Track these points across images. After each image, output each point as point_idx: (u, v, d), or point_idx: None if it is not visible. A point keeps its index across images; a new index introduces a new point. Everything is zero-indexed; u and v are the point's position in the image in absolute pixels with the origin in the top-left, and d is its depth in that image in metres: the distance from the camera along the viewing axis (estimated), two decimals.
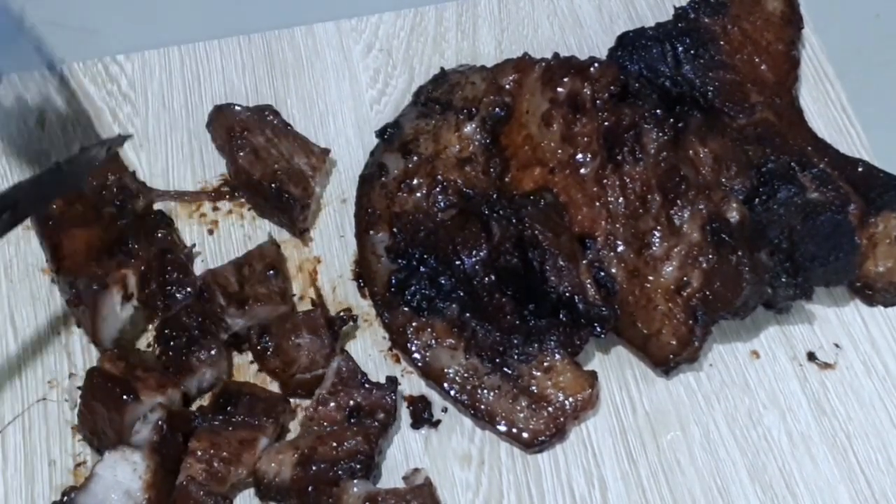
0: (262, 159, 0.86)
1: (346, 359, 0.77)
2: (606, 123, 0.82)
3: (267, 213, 0.87)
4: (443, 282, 0.80)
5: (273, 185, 0.84)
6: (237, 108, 0.88)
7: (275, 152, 0.86)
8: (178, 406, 0.76)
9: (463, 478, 0.75)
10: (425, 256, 0.81)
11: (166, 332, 0.78)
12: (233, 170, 0.87)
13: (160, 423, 0.72)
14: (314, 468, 0.72)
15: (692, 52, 0.89)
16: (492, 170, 0.84)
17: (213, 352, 0.77)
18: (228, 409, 0.75)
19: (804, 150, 0.85)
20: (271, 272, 0.80)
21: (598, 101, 0.82)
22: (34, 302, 0.83)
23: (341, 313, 0.81)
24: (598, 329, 0.77)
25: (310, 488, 0.72)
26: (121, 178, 0.84)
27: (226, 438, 0.73)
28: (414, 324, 0.80)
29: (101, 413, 0.73)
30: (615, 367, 0.80)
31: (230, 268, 0.80)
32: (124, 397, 0.73)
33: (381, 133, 0.88)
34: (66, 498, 0.72)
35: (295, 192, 0.85)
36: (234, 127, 0.87)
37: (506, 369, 0.77)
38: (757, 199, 0.79)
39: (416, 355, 0.79)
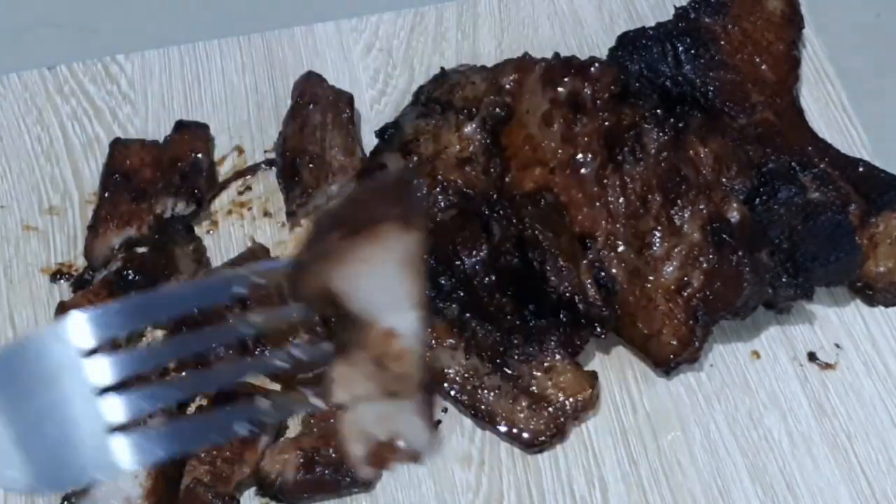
0: (305, 135, 0.87)
1: None
2: (607, 123, 0.81)
3: (281, 183, 0.88)
4: (443, 282, 0.80)
5: (295, 160, 0.86)
6: (324, 83, 0.90)
7: (319, 135, 0.87)
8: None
9: (463, 478, 0.75)
10: (425, 256, 0.81)
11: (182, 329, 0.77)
12: (281, 128, 0.89)
13: None
14: (317, 471, 0.72)
15: (693, 51, 0.89)
16: (492, 170, 0.84)
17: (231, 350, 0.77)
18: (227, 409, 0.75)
19: (805, 150, 0.85)
20: None
21: (598, 101, 0.82)
22: (34, 302, 0.83)
23: None
24: (599, 329, 0.77)
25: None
26: (198, 157, 0.86)
27: None
28: None
29: None
30: (615, 367, 0.80)
31: (227, 269, 0.80)
32: None
33: (380, 133, 0.88)
34: (66, 502, 0.72)
35: (307, 178, 0.85)
36: (305, 93, 0.89)
37: (506, 369, 0.77)
38: (757, 200, 0.79)
39: None
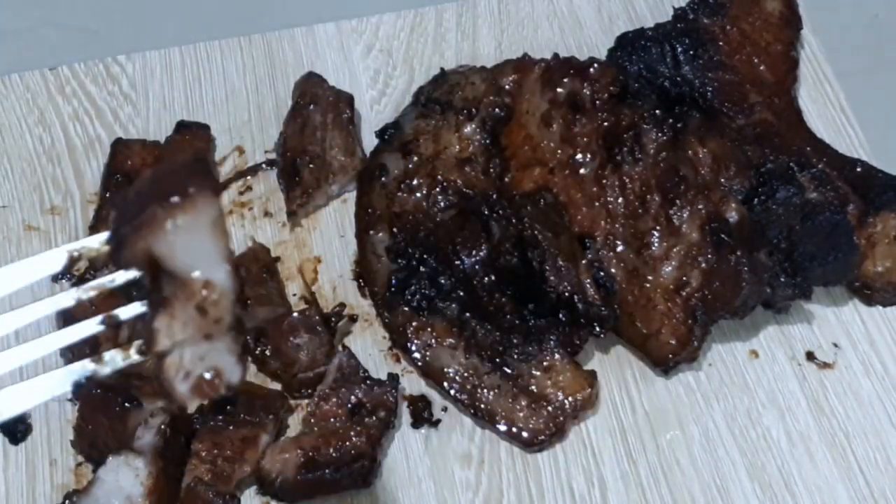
0: (305, 135, 0.88)
1: (348, 355, 0.77)
2: (606, 124, 0.82)
3: (281, 183, 0.88)
4: (443, 282, 0.80)
5: (295, 160, 0.86)
6: (325, 83, 0.90)
7: (319, 135, 0.88)
8: (177, 410, 0.76)
9: (463, 477, 0.76)
10: (425, 256, 0.81)
11: None
12: (282, 129, 0.89)
13: (163, 426, 0.72)
14: (318, 470, 0.73)
15: (691, 52, 0.89)
16: (492, 170, 0.85)
17: None
18: (227, 408, 0.75)
19: (803, 151, 0.85)
20: (266, 273, 0.81)
21: (597, 102, 0.82)
22: (35, 302, 0.83)
23: (335, 308, 0.81)
24: (598, 329, 0.77)
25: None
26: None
27: (228, 438, 0.74)
28: (414, 323, 0.80)
29: (102, 424, 0.73)
30: (614, 366, 0.80)
31: None
32: (126, 405, 0.73)
33: (380, 133, 0.88)
34: (67, 501, 0.72)
35: (307, 178, 0.85)
36: (305, 94, 0.89)
37: (506, 369, 0.77)
38: (756, 200, 0.80)
39: (416, 355, 0.79)
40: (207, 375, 0.50)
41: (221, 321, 0.49)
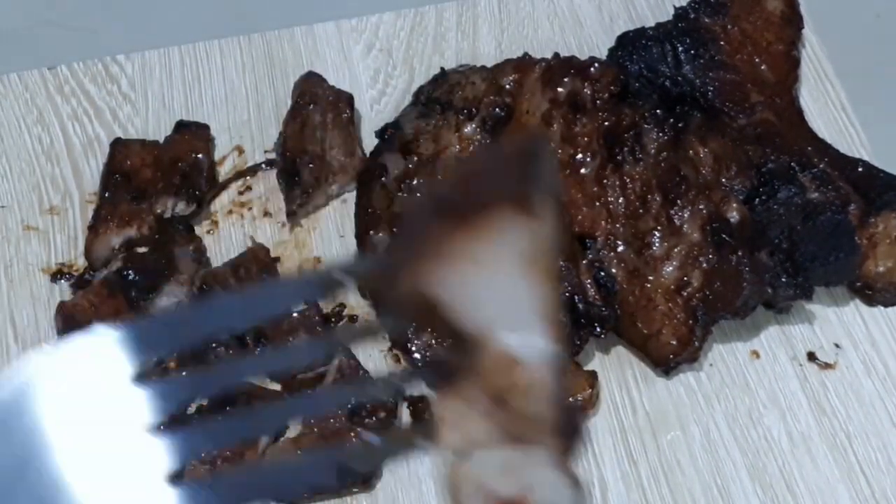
0: (305, 135, 0.87)
1: (348, 355, 0.77)
2: (606, 123, 0.82)
3: (281, 183, 0.88)
4: None
5: (295, 160, 0.86)
6: (324, 83, 0.90)
7: (319, 135, 0.87)
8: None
9: None
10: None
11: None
12: (281, 128, 0.89)
13: (162, 427, 0.72)
14: None
15: (692, 52, 0.89)
16: None
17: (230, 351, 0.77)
18: (227, 408, 0.75)
19: (804, 150, 0.85)
20: (265, 274, 0.81)
21: (598, 102, 0.82)
22: (34, 302, 0.83)
23: (335, 308, 0.81)
24: (598, 329, 0.77)
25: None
26: (198, 158, 0.86)
27: None
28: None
29: None
30: (615, 367, 0.80)
31: (227, 269, 0.80)
32: None
33: (381, 133, 0.88)
34: None
35: (307, 178, 0.85)
36: (305, 93, 0.89)
37: None
38: (757, 199, 0.79)
39: (417, 355, 0.79)
40: (518, 500, 0.32)
41: (537, 419, 0.32)
